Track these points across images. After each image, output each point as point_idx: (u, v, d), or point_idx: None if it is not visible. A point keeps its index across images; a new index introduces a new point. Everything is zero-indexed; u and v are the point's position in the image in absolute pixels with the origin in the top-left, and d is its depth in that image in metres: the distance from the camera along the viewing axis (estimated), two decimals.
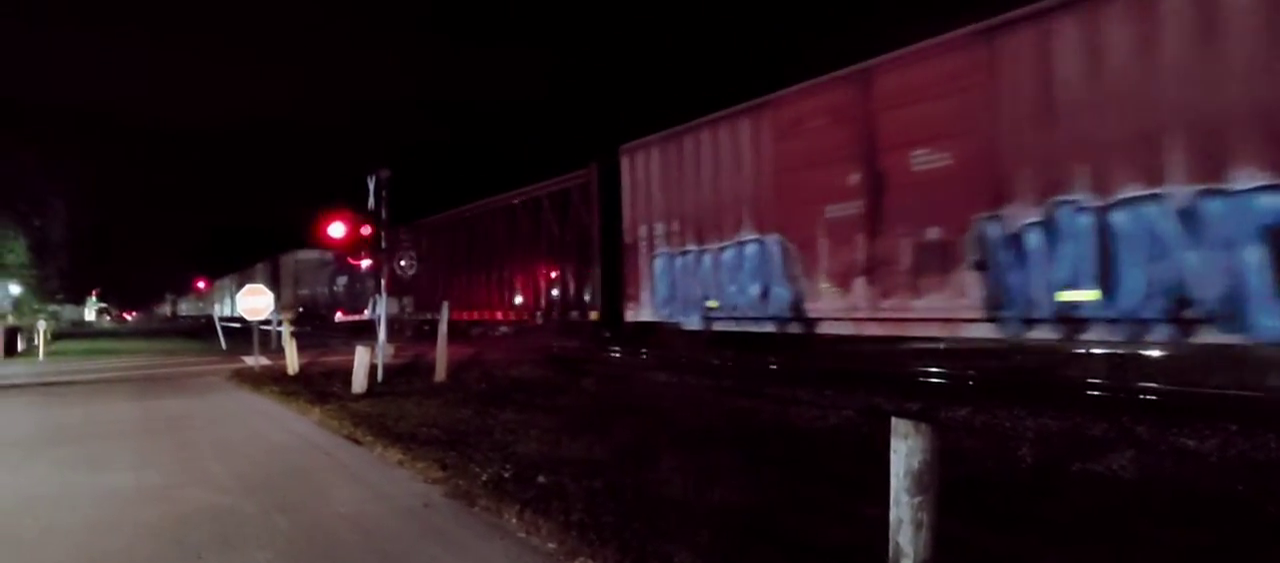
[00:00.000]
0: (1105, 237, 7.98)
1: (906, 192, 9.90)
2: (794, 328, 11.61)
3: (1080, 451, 6.74)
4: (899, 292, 10.00)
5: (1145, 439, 7.08)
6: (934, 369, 11.51)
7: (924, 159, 9.73)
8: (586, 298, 17.35)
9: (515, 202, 20.40)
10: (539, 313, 19.38)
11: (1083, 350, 11.55)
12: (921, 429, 3.63)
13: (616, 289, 15.67)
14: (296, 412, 10.44)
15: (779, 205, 11.83)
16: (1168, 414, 7.89)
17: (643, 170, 14.84)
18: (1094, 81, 8.11)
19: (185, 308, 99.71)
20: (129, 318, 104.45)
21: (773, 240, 11.87)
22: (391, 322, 27.06)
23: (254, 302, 17.57)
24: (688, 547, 4.31)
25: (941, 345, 11.75)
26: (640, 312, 14.88)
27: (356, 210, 14.07)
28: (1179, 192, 7.46)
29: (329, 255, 36.12)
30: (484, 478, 6.11)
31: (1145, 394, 9.22)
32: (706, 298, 13.12)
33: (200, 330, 42.80)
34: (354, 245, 14.62)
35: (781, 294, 11.69)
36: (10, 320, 29.14)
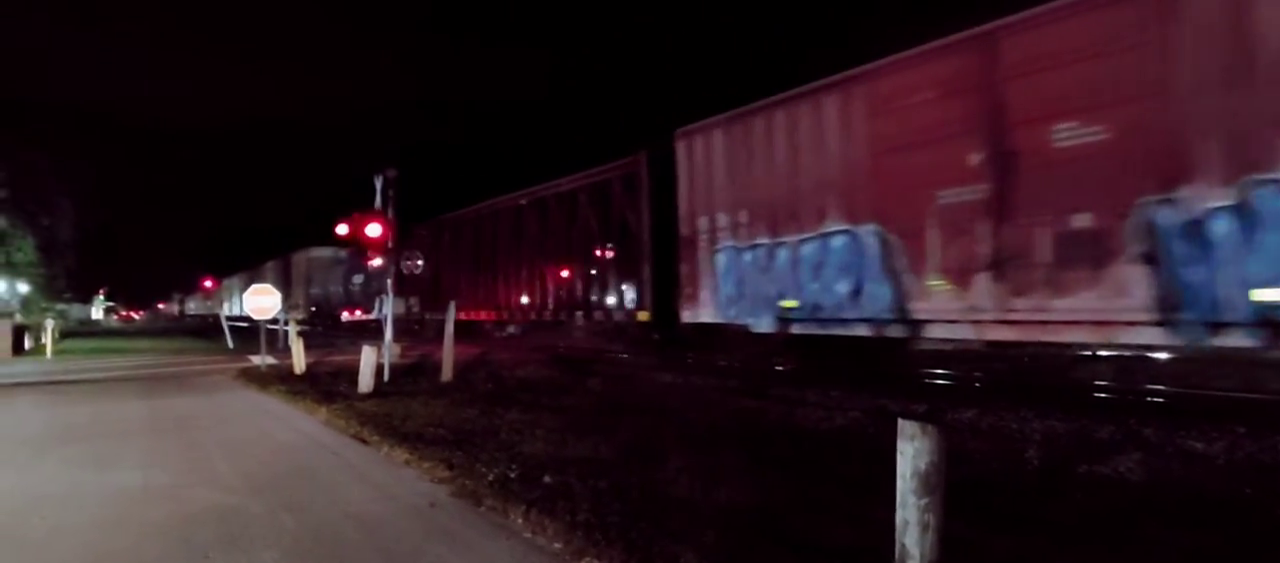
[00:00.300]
0: None
1: (1045, 172, 8.57)
2: (895, 331, 10.38)
3: (1087, 453, 6.71)
4: (1036, 290, 8.69)
5: (1152, 441, 7.06)
6: (940, 371, 11.46)
7: (1069, 133, 8.38)
8: (628, 298, 16.22)
9: (547, 195, 19.25)
10: (579, 313, 18.06)
11: (1089, 353, 11.54)
12: (928, 431, 3.62)
13: (669, 288, 14.54)
14: (303, 411, 10.46)
15: (875, 191, 10.51)
16: (1175, 416, 7.86)
17: (703, 156, 13.60)
18: None
19: (192, 307, 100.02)
20: (136, 317, 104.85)
21: (867, 231, 10.58)
22: (412, 322, 27.25)
23: (261, 301, 17.60)
24: (694, 547, 4.31)
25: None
26: (700, 312, 13.68)
27: (362, 210, 14.05)
28: None
29: (343, 253, 35.13)
30: (490, 478, 6.12)
31: (1153, 396, 9.21)
32: (781, 297, 11.88)
33: (207, 330, 42.85)
34: (360, 244, 14.56)
35: (879, 292, 10.38)
36: (19, 319, 29.26)
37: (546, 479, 5.96)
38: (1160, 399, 8.91)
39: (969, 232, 9.34)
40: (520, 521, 5.10)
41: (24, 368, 19.03)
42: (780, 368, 12.84)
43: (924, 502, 3.59)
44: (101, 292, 77.71)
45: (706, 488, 5.46)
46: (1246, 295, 7.13)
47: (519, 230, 20.68)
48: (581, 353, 17.36)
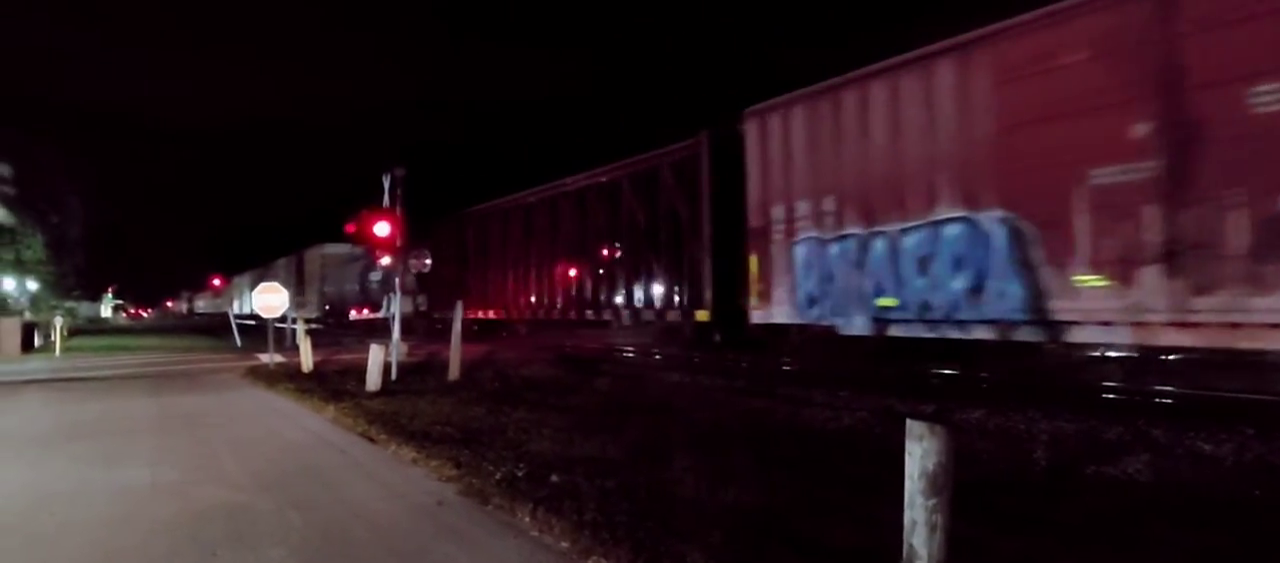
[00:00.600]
0: None
1: (1238, 144, 7.31)
2: (1028, 334, 9.18)
3: (1095, 453, 6.70)
4: (1226, 286, 7.43)
5: (1160, 442, 7.04)
6: (947, 372, 11.40)
7: (1273, 96, 7.10)
8: (679, 296, 15.18)
9: (584, 185, 18.08)
10: (626, 312, 16.81)
11: (1098, 352, 11.43)
12: (936, 431, 3.61)
13: (734, 284, 13.35)
14: (311, 409, 10.49)
15: (1004, 171, 9.25)
16: (1183, 417, 7.83)
17: (779, 137, 12.30)
18: None
19: (201, 305, 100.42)
20: (145, 315, 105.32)
21: (992, 218, 9.35)
22: (436, 322, 27.11)
23: (269, 299, 17.66)
24: (701, 547, 4.31)
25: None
26: (773, 312, 12.42)
27: (371, 208, 14.06)
28: None
29: (359, 250, 35.11)
30: (497, 477, 6.13)
31: (1161, 398, 9.15)
32: (878, 294, 10.67)
33: (216, 328, 42.87)
34: (368, 243, 14.56)
35: (1007, 290, 9.18)
36: (28, 317, 29.43)
37: (553, 478, 5.97)
38: (1169, 400, 8.84)
39: (1132, 216, 8.08)
40: (527, 519, 5.10)
41: (33, 365, 19.13)
42: (787, 368, 12.80)
43: (932, 502, 3.58)
44: (110, 290, 78.17)
45: (713, 488, 5.46)
46: None
47: (554, 224, 19.74)
48: (624, 357, 16.40)
